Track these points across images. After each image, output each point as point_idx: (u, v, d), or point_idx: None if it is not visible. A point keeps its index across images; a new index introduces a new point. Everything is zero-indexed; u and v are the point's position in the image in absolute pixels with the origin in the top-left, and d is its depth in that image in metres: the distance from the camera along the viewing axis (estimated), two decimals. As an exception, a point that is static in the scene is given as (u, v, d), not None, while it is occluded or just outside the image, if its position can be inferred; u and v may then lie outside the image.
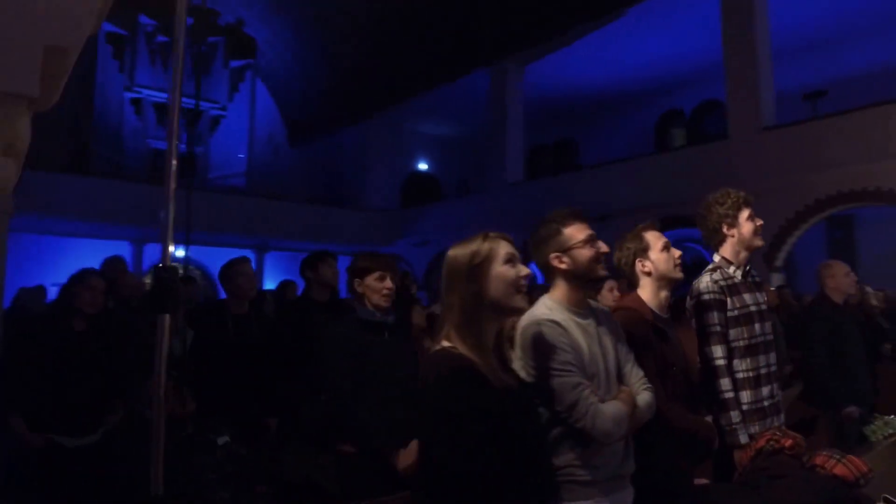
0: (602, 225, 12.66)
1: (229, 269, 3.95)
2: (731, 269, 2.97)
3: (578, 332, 1.98)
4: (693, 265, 13.21)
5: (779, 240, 11.20)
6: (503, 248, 1.77)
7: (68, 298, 3.54)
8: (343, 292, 7.02)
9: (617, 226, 12.42)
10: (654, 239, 2.66)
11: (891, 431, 3.70)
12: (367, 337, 2.90)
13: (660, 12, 13.27)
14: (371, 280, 2.97)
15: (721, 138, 13.56)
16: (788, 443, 2.50)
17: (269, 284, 18.87)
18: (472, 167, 21.75)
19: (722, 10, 11.88)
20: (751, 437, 2.65)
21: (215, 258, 18.77)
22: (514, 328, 2.01)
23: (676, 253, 2.68)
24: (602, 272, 2.11)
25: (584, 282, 2.08)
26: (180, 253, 18.49)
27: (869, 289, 8.44)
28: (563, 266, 2.05)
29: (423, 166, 21.60)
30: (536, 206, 15.01)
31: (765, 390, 2.81)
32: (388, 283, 3.01)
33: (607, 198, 13.58)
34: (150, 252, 16.96)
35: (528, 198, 15.39)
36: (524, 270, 1.77)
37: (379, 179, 20.09)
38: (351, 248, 19.45)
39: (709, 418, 2.70)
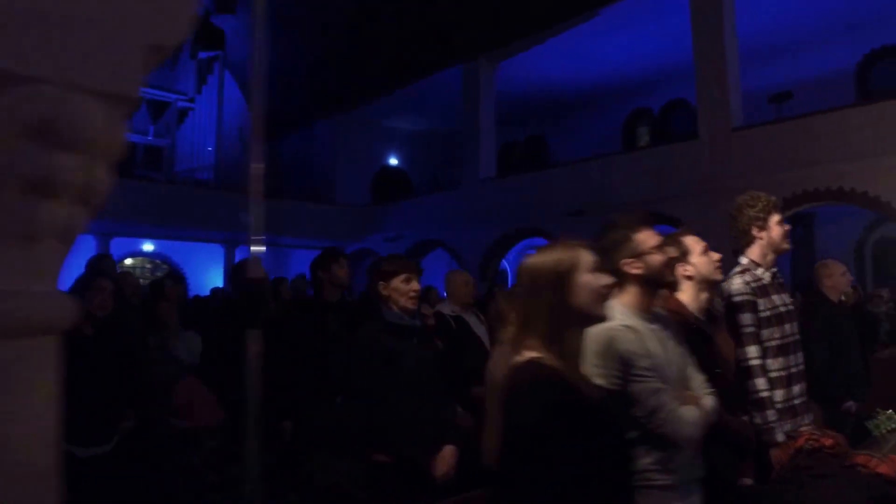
0: (575, 220, 12.76)
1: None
2: (760, 270, 3.00)
3: (651, 337, 1.98)
4: None
5: (747, 237, 11.42)
6: (587, 257, 1.75)
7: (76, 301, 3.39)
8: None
9: (590, 222, 12.52)
10: (694, 243, 2.67)
11: (894, 426, 3.76)
12: (397, 341, 2.83)
13: (631, 13, 13.41)
14: (397, 282, 2.89)
15: (688, 137, 13.81)
16: (829, 441, 2.53)
17: (240, 279, 18.56)
18: (443, 163, 21.70)
19: (692, 13, 12.07)
20: (785, 435, 2.68)
21: (182, 252, 18.43)
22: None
23: (716, 256, 2.69)
24: (672, 276, 2.11)
25: (655, 286, 2.07)
26: (149, 247, 18.10)
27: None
28: (636, 271, 2.04)
29: (393, 161, 21.47)
30: (509, 201, 15.16)
31: (795, 389, 2.86)
32: (415, 285, 2.95)
33: (580, 194, 13.69)
34: (116, 246, 16.49)
35: (501, 193, 15.45)
36: (606, 279, 1.75)
37: (350, 174, 19.92)
38: (322, 242, 19.22)
39: (744, 418, 2.73)
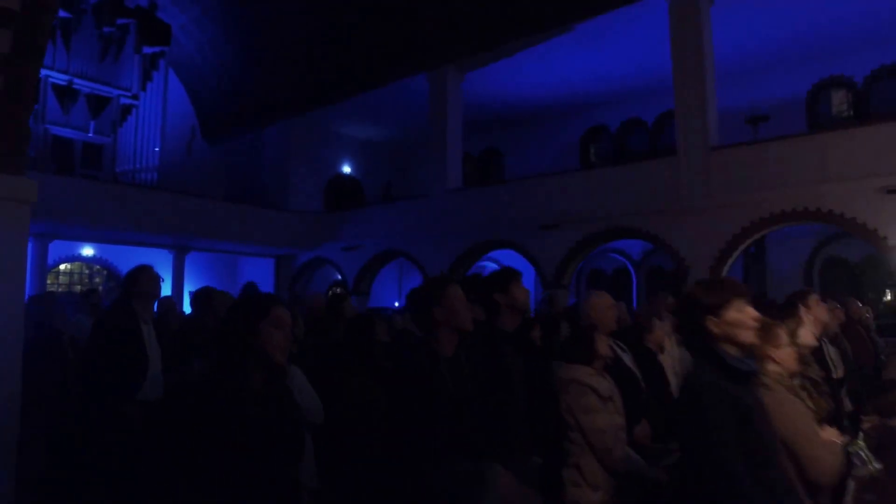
0: (549, 234, 12.50)
1: (443, 292, 2.68)
2: None
3: None
4: (614, 274, 13.29)
5: (724, 254, 11.55)
6: None
7: (248, 342, 2.16)
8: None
9: (564, 235, 12.18)
10: None
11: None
12: (744, 393, 2.15)
13: (602, 30, 13.37)
14: (733, 314, 2.18)
15: (651, 156, 13.89)
16: None
17: (190, 287, 17.21)
18: (395, 173, 21.06)
19: (671, 32, 12.11)
20: None
21: (125, 258, 16.87)
22: None
23: None
24: None
25: None
26: (88, 251, 16.47)
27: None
28: None
29: (346, 169, 20.63)
30: (478, 213, 14.77)
31: None
32: (752, 310, 2.23)
33: (553, 207, 13.49)
34: (56, 250, 14.88)
35: (468, 205, 15.02)
36: None
37: (301, 181, 18.99)
38: (273, 249, 18.20)
39: None
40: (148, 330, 4.13)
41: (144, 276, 4.28)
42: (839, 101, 14.19)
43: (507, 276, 3.22)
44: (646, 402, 3.75)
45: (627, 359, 3.86)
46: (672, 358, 4.58)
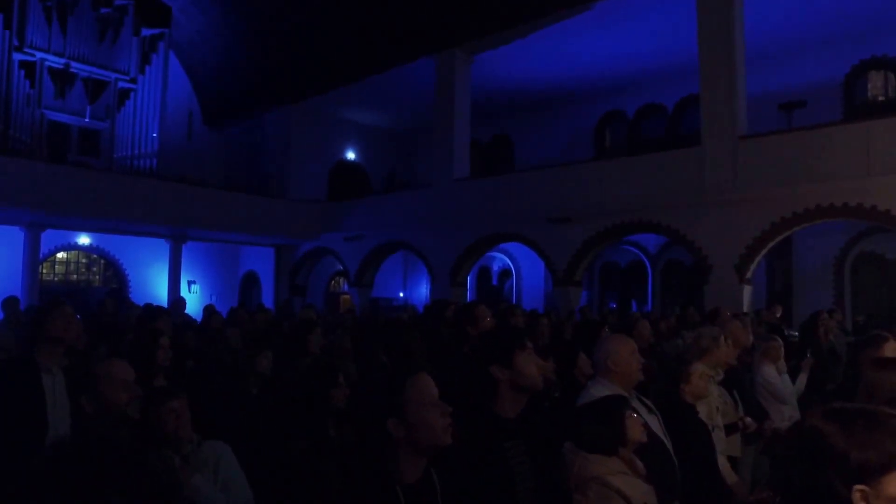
0: (560, 228, 11.18)
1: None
2: None
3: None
4: (628, 268, 12.00)
5: (752, 251, 10.34)
6: None
7: None
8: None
9: (576, 228, 10.79)
10: None
11: None
12: None
13: (623, 10, 12.12)
14: None
15: (670, 144, 12.60)
16: None
17: (188, 276, 16.31)
18: (400, 161, 19.96)
19: (698, 13, 10.81)
20: None
21: (121, 246, 16.00)
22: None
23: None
24: None
25: None
26: (84, 240, 15.58)
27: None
28: None
29: (350, 155, 19.51)
30: (485, 204, 13.61)
31: None
32: None
33: (566, 198, 12.31)
34: (51, 238, 13.98)
35: (475, 195, 13.87)
36: None
37: (304, 168, 17.88)
38: (275, 239, 17.21)
39: None
40: (54, 382, 3.05)
41: (52, 319, 3.12)
42: (881, 84, 12.77)
43: (510, 341, 2.11)
44: (679, 485, 2.63)
45: (654, 423, 2.73)
46: (710, 405, 3.46)
